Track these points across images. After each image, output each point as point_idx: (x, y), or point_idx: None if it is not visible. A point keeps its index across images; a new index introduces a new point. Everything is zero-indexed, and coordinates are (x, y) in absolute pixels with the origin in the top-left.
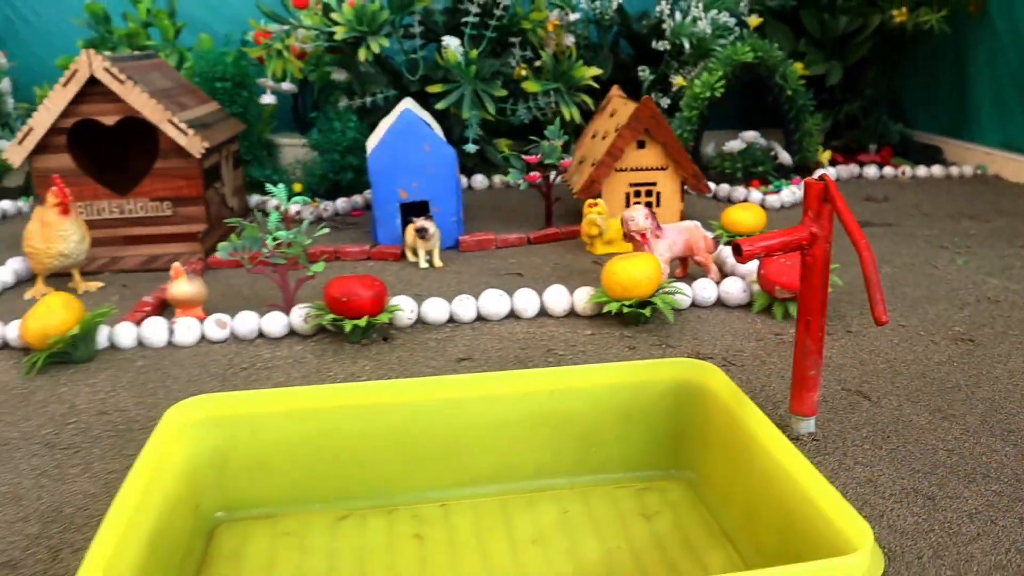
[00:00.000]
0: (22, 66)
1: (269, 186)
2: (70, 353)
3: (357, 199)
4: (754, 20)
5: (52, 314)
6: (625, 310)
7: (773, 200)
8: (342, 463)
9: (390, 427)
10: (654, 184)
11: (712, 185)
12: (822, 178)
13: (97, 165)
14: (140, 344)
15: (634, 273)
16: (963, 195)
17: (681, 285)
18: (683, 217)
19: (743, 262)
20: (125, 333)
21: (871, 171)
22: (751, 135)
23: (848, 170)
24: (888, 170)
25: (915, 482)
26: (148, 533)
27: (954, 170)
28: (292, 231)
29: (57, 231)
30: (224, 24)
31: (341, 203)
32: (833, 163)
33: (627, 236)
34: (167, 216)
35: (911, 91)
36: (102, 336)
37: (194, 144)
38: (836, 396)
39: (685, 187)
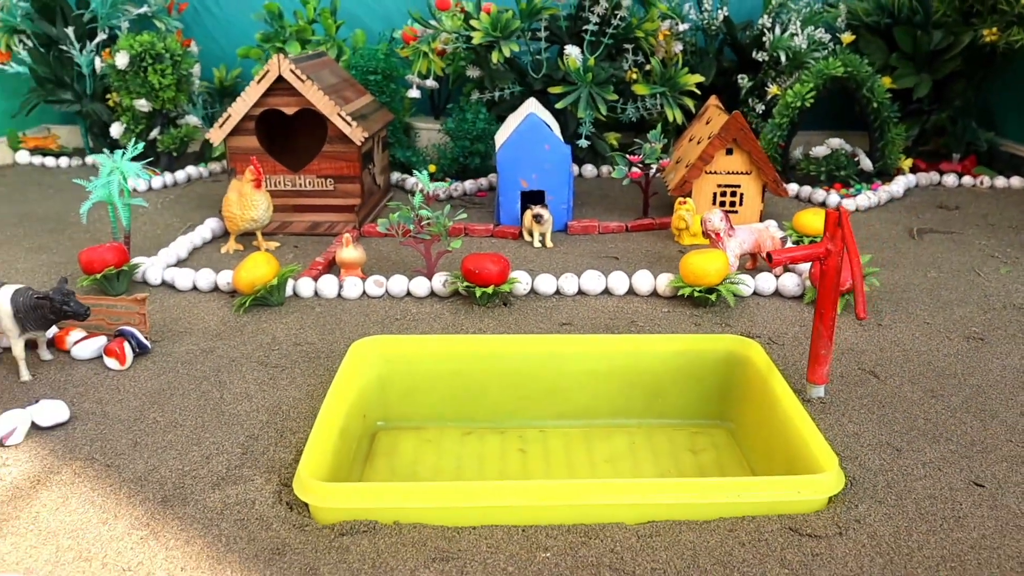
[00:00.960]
0: (204, 51)
1: (416, 172)
2: (267, 298)
3: (483, 181)
4: (847, 37)
5: (258, 268)
6: (696, 294)
7: (848, 203)
8: (470, 394)
9: (507, 370)
10: (738, 186)
11: (794, 186)
12: (838, 208)
13: (272, 145)
14: (316, 295)
15: (705, 265)
16: None
17: (745, 277)
18: (763, 216)
19: (773, 267)
20: (305, 286)
21: (950, 179)
22: (836, 142)
23: (928, 177)
24: (967, 179)
25: (890, 438)
26: (339, 430)
27: None
28: (436, 212)
29: (251, 200)
30: (376, 20)
31: (469, 184)
32: (914, 170)
33: (705, 233)
34: (329, 190)
35: (1003, 100)
36: (289, 287)
37: (356, 134)
38: (852, 373)
39: (766, 190)
